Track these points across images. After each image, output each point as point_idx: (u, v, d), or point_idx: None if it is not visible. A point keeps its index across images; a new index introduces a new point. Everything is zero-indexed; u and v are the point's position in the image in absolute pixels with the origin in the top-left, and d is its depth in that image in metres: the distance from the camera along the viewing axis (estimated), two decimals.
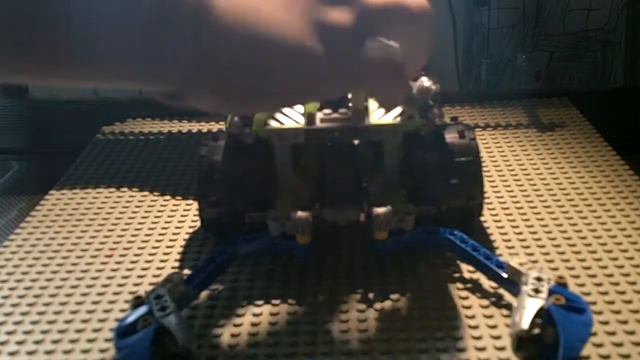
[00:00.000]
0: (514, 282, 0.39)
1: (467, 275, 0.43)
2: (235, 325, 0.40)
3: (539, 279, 0.37)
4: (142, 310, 0.36)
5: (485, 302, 0.41)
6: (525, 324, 0.35)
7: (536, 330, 0.35)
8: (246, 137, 0.44)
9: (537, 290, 0.36)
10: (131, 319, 0.36)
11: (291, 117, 0.42)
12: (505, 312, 0.40)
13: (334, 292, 0.42)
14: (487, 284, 0.42)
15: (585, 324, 0.34)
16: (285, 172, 0.45)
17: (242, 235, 0.43)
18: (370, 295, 0.42)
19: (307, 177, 0.45)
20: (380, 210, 0.41)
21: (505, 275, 0.39)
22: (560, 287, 0.37)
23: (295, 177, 0.45)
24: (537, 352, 0.35)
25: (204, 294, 0.42)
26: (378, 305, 0.41)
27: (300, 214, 0.41)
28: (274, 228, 0.42)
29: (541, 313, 0.35)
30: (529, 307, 0.35)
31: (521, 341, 0.35)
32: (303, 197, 0.44)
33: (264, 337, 0.39)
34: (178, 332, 0.35)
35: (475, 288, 0.42)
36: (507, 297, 0.41)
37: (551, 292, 0.36)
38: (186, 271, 0.40)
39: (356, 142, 0.45)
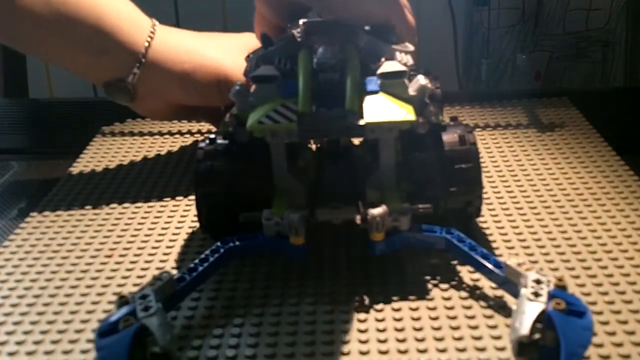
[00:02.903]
0: (512, 282, 0.39)
1: (467, 275, 0.43)
2: (235, 326, 0.40)
3: (538, 282, 0.37)
4: (125, 310, 0.36)
5: (485, 302, 0.41)
6: (525, 329, 0.34)
7: (537, 335, 0.35)
8: (241, 136, 0.43)
9: (536, 294, 0.36)
10: (113, 319, 0.35)
11: (285, 116, 0.41)
12: (505, 312, 0.40)
13: (333, 292, 0.42)
14: (487, 284, 0.42)
15: (586, 328, 0.34)
16: (281, 172, 0.45)
17: (238, 235, 0.43)
18: (370, 296, 0.42)
19: (303, 177, 0.45)
20: (376, 211, 0.41)
21: (503, 275, 0.39)
22: (559, 289, 0.36)
23: (292, 176, 0.45)
24: (538, 356, 0.35)
25: (203, 294, 0.42)
26: (377, 306, 0.41)
27: (293, 214, 0.41)
28: (268, 228, 0.42)
29: (541, 317, 0.35)
30: (528, 312, 0.35)
31: (522, 346, 0.35)
32: (299, 196, 0.44)
33: (264, 337, 0.39)
34: (159, 332, 0.35)
35: (476, 289, 0.42)
36: (507, 297, 0.40)
37: (551, 296, 0.36)
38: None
39: (354, 141, 0.45)
